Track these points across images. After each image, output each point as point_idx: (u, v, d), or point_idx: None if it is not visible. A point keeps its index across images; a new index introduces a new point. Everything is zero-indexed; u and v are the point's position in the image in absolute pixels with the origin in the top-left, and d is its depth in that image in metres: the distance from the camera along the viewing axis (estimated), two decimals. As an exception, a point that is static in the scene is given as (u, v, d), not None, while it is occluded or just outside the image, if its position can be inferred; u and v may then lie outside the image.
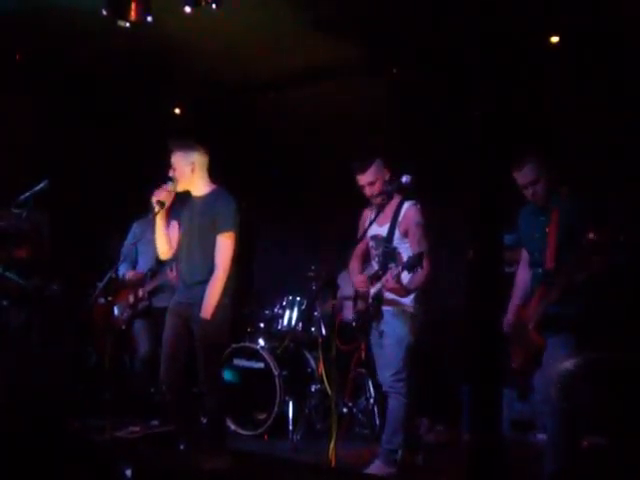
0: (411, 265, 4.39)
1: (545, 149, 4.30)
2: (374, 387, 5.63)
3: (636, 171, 5.26)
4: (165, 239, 4.93)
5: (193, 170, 4.81)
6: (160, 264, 5.94)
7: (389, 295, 4.72)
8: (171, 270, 5.75)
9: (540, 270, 4.15)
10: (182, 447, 5.00)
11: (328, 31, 5.66)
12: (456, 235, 4.22)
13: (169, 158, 4.86)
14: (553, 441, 3.98)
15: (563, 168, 4.32)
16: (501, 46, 2.39)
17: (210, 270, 4.70)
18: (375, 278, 4.79)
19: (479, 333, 2.42)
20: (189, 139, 4.91)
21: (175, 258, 5.12)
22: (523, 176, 4.14)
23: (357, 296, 4.96)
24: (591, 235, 3.88)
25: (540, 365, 4.03)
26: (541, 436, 4.87)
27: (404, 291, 4.62)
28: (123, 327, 6.14)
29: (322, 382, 5.73)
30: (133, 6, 4.73)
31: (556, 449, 3.95)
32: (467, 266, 2.46)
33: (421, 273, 4.52)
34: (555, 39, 5.42)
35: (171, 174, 4.82)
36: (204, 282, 4.70)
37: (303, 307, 6.19)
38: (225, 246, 4.71)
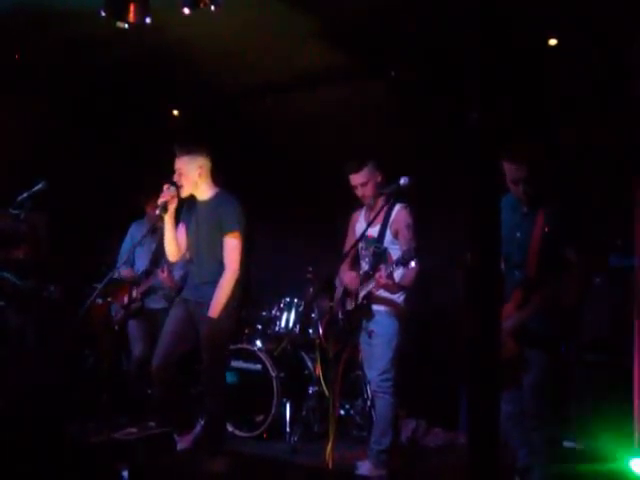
0: (405, 259, 4.39)
1: (544, 150, 4.20)
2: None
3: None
4: (173, 242, 4.99)
5: (200, 174, 4.87)
6: (155, 265, 5.96)
7: (381, 294, 4.74)
8: (162, 271, 5.80)
9: (517, 273, 4.03)
10: (178, 447, 5.03)
11: (326, 34, 5.67)
12: (455, 235, 4.21)
13: (172, 162, 4.90)
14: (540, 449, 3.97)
15: (557, 171, 4.26)
16: (500, 46, 2.40)
17: (218, 271, 4.78)
18: (365, 278, 4.79)
19: (478, 333, 2.42)
20: (195, 143, 4.95)
21: (171, 260, 5.20)
22: (517, 171, 3.96)
23: (347, 294, 4.94)
24: (572, 254, 3.87)
25: (513, 374, 3.96)
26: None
27: (396, 287, 4.66)
28: (116, 328, 6.14)
29: (319, 384, 5.72)
30: (132, 7, 4.73)
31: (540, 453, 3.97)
32: (465, 267, 2.46)
33: (410, 271, 4.56)
34: (553, 41, 5.42)
35: (176, 179, 4.87)
36: (212, 282, 4.77)
37: (301, 309, 6.18)
38: (232, 246, 4.79)
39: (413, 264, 4.41)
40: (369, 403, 5.56)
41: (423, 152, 6.08)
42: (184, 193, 4.89)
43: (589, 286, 3.98)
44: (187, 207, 5.04)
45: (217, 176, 5.02)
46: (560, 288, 3.85)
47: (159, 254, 5.85)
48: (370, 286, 4.71)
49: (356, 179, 4.86)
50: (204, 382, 4.86)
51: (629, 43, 5.01)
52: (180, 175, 4.85)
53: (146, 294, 6.07)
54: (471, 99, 2.39)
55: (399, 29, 5.51)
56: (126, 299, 6.09)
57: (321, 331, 5.19)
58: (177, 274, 5.93)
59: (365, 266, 4.89)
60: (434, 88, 6.04)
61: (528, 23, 5.04)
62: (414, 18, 5.32)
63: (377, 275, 4.58)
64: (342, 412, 5.82)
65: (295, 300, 6.22)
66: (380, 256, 4.76)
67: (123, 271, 6.16)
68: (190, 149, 4.88)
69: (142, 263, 6.14)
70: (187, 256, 5.11)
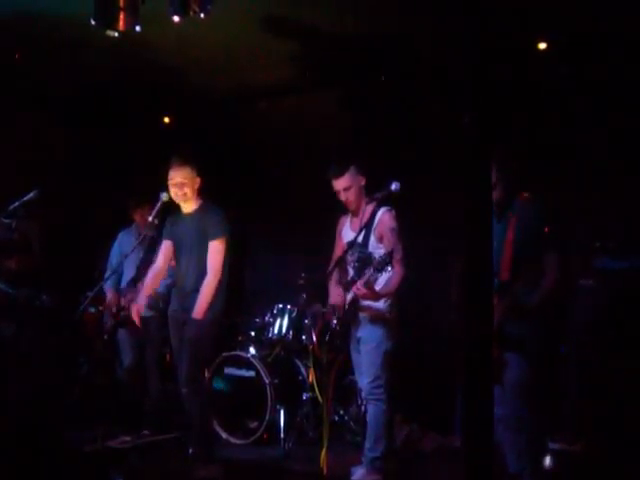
0: (380, 264, 4.37)
1: (505, 152, 4.18)
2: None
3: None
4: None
5: (197, 186, 4.99)
6: (142, 273, 5.96)
7: (363, 302, 4.71)
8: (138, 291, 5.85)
9: (495, 280, 3.94)
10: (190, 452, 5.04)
11: (321, 35, 5.66)
12: (448, 238, 4.21)
13: (161, 170, 4.97)
14: (527, 448, 3.98)
15: (523, 173, 4.26)
16: (491, 50, 2.41)
17: (204, 278, 4.84)
18: (351, 284, 4.74)
19: (472, 337, 2.43)
20: (192, 155, 5.05)
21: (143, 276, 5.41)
22: None
23: (333, 309, 4.92)
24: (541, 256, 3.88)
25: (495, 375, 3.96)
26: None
27: (375, 295, 4.62)
28: (105, 336, 6.14)
29: (313, 390, 5.71)
30: (122, 16, 4.73)
31: (527, 454, 3.97)
32: (459, 271, 2.47)
33: (394, 276, 4.56)
34: (543, 45, 5.44)
35: (177, 191, 4.94)
36: (199, 290, 4.83)
37: (294, 315, 6.18)
38: (216, 250, 4.87)
39: (390, 269, 4.39)
40: (363, 408, 5.56)
41: (416, 156, 6.09)
42: (182, 200, 4.97)
43: (558, 286, 3.97)
44: (170, 223, 5.15)
45: (209, 183, 5.07)
46: (526, 289, 3.88)
47: (146, 262, 5.85)
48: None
49: (339, 184, 4.82)
50: (183, 383, 4.84)
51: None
52: (183, 185, 4.93)
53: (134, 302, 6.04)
54: (464, 101, 2.40)
55: (392, 32, 5.52)
56: (114, 308, 6.09)
57: (314, 337, 5.18)
58: (162, 283, 5.91)
59: (351, 271, 4.85)
60: (426, 91, 6.05)
61: (520, 25, 5.07)
62: (407, 21, 5.33)
63: (353, 288, 4.58)
64: (336, 418, 5.81)
65: (288, 306, 6.21)
66: (365, 261, 4.71)
67: (108, 292, 6.17)
68: (190, 161, 4.97)
69: (130, 271, 6.13)
70: (172, 263, 5.18)
